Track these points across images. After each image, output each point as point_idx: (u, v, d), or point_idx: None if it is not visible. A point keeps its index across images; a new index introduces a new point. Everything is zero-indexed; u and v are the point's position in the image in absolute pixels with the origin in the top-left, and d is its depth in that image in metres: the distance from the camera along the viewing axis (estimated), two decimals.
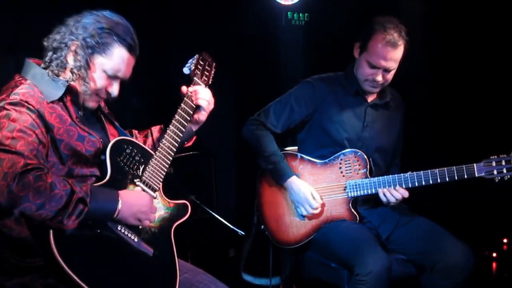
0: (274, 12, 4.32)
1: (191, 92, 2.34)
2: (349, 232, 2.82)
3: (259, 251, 3.16)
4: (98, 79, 2.13)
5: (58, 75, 2.11)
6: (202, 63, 2.41)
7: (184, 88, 2.35)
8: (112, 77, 2.15)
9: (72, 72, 2.10)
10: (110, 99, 2.22)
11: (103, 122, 2.32)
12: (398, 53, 2.87)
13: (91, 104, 2.18)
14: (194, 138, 2.49)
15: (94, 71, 2.11)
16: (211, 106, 2.40)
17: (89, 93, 2.13)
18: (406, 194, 2.85)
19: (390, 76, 2.94)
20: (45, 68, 2.11)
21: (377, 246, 2.70)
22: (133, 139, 2.24)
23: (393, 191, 2.84)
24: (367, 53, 2.90)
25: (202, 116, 2.40)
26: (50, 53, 2.11)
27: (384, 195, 2.86)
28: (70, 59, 2.10)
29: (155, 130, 2.48)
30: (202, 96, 2.35)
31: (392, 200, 2.85)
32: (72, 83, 2.12)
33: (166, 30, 4.20)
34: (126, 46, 2.13)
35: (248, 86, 4.50)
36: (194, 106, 2.35)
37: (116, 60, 2.12)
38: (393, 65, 2.89)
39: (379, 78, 2.90)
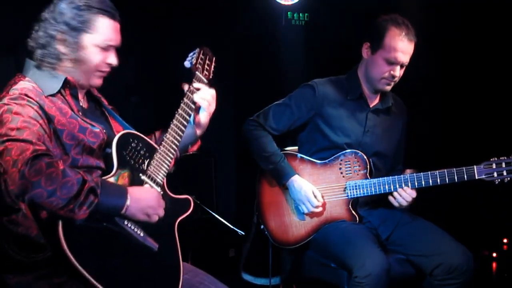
0: (274, 12, 4.32)
1: (194, 88, 2.34)
2: (348, 233, 2.82)
3: (259, 250, 3.16)
4: (94, 56, 2.14)
5: (55, 69, 2.13)
6: (203, 57, 2.40)
7: (186, 86, 2.34)
8: (106, 49, 2.16)
9: (67, 60, 2.12)
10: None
11: (107, 117, 2.33)
12: (412, 47, 2.90)
13: (96, 81, 2.21)
14: (199, 143, 2.48)
15: (87, 49, 2.13)
16: (212, 107, 2.38)
17: (91, 72, 2.16)
18: (413, 194, 2.84)
19: (401, 73, 2.95)
20: (38, 66, 2.12)
21: (376, 248, 2.70)
22: (138, 133, 2.24)
23: (401, 192, 2.83)
24: (384, 50, 2.88)
25: (203, 117, 2.38)
26: (39, 51, 2.12)
27: (395, 198, 2.84)
28: (62, 48, 2.11)
29: (158, 132, 2.48)
30: (202, 95, 2.34)
31: (403, 202, 2.83)
32: (69, 76, 2.13)
33: (166, 30, 4.21)
34: (107, 15, 2.14)
35: (248, 86, 4.51)
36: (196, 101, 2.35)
37: (103, 31, 2.14)
38: (408, 59, 2.91)
39: (397, 73, 2.90)
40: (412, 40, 2.89)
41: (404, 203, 2.84)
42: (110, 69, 2.22)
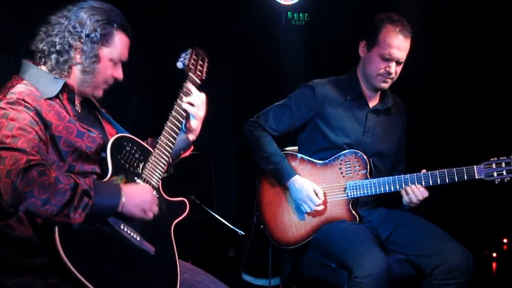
0: (274, 12, 4.32)
1: (187, 89, 2.34)
2: (348, 233, 2.82)
3: (259, 251, 3.16)
4: (107, 69, 2.17)
5: (62, 75, 2.12)
6: (195, 57, 2.40)
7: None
8: (117, 63, 2.20)
9: (79, 69, 2.13)
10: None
11: (101, 121, 2.33)
12: (408, 43, 2.90)
13: (100, 93, 2.22)
14: (191, 148, 2.46)
15: (102, 62, 2.15)
16: (202, 112, 2.36)
17: (99, 84, 2.18)
18: (425, 193, 2.83)
19: (399, 70, 2.95)
20: (51, 71, 2.12)
21: (376, 248, 2.70)
22: (133, 136, 2.24)
23: (414, 189, 2.82)
24: (379, 47, 2.89)
25: (193, 121, 2.36)
26: (54, 55, 2.11)
27: (407, 194, 2.83)
28: (78, 58, 2.12)
29: (150, 139, 2.45)
30: (191, 100, 2.33)
31: (414, 199, 2.82)
32: (69, 80, 2.13)
33: (166, 30, 4.21)
34: (124, 31, 2.19)
35: (248, 86, 4.51)
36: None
37: (120, 47, 2.18)
38: (404, 56, 2.91)
39: (393, 70, 2.90)
40: (407, 37, 2.89)
41: (414, 200, 2.83)
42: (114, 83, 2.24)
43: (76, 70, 2.14)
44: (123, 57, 2.21)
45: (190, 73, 2.36)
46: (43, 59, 2.13)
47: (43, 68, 2.14)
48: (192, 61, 2.38)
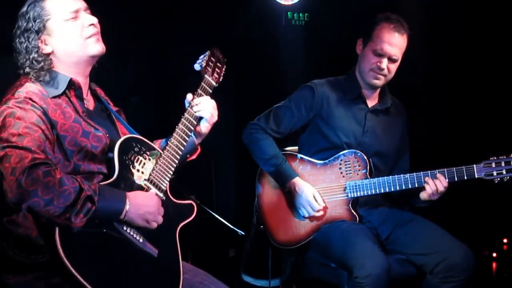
0: (274, 12, 4.33)
1: (201, 92, 2.31)
2: (349, 234, 2.82)
3: (259, 252, 3.16)
4: (72, 28, 2.12)
5: (55, 68, 2.13)
6: (213, 59, 2.36)
7: (189, 96, 2.31)
8: (75, 16, 2.13)
9: (58, 51, 2.12)
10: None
11: (113, 119, 2.31)
12: (402, 41, 2.91)
13: (95, 48, 2.15)
14: (198, 151, 2.44)
15: (62, 29, 2.12)
16: (215, 118, 2.35)
17: (82, 42, 2.13)
18: (446, 183, 2.79)
19: (393, 68, 2.95)
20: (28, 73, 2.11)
21: (376, 248, 2.70)
22: (142, 138, 2.22)
23: (436, 181, 2.79)
24: (372, 42, 2.92)
25: (204, 127, 2.34)
26: (35, 65, 2.11)
27: (430, 186, 2.79)
28: (47, 48, 2.11)
29: (158, 141, 2.43)
30: (205, 107, 2.30)
31: (435, 188, 2.78)
32: (73, 77, 2.13)
33: (166, 30, 4.21)
34: None
35: (248, 86, 4.50)
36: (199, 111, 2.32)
37: (59, 7, 2.11)
38: (397, 53, 2.91)
39: (384, 65, 2.91)
40: (402, 34, 2.90)
41: (435, 189, 2.78)
42: (99, 28, 2.17)
43: (58, 55, 2.13)
44: (72, 7, 2.13)
45: (206, 76, 2.33)
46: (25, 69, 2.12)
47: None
48: (210, 63, 2.34)
